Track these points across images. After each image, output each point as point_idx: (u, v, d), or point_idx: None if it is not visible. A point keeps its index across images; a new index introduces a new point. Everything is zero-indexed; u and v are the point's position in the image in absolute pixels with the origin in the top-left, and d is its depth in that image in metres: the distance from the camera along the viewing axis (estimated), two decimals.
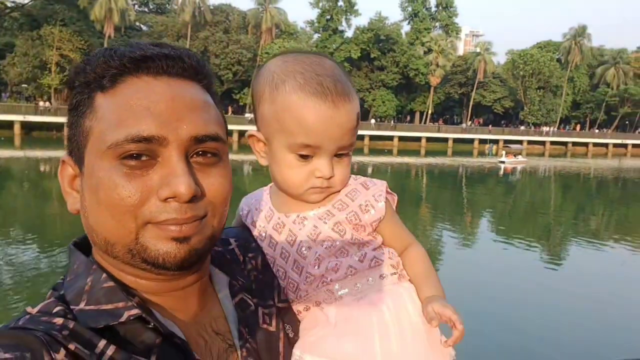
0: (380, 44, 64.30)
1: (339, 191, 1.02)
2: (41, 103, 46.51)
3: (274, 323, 0.93)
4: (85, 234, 0.82)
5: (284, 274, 1.00)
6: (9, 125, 41.77)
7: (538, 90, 68.12)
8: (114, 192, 0.73)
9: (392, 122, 65.13)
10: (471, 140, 60.97)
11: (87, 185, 0.76)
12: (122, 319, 0.73)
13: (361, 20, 75.47)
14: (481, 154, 56.56)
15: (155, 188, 0.74)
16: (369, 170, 34.94)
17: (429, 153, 53.30)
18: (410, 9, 69.02)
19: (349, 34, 65.96)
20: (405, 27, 70.25)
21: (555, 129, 68.34)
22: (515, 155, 46.96)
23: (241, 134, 50.63)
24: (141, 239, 0.75)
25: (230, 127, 49.91)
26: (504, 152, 47.64)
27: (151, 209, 0.74)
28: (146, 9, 67.71)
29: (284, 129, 0.94)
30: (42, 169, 29.06)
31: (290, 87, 0.93)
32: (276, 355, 0.90)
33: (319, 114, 0.91)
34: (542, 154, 59.46)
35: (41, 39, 48.85)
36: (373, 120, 60.23)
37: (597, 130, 70.60)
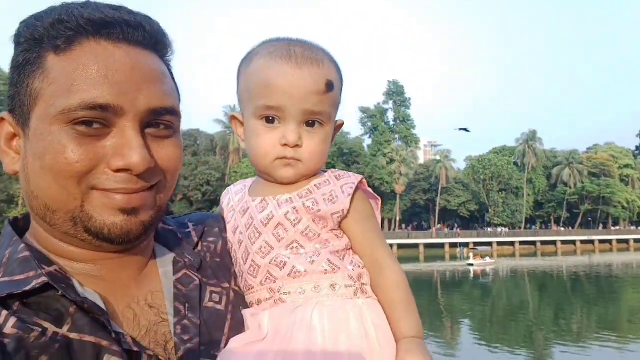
0: (344, 157, 66.61)
1: (311, 176, 0.94)
2: None
3: (223, 302, 0.89)
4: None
5: (236, 261, 0.94)
6: None
7: (500, 193, 70.45)
8: (61, 155, 0.70)
9: None
10: (442, 245, 61.37)
11: (32, 148, 0.73)
12: (28, 288, 0.70)
13: None
14: (453, 257, 56.71)
15: (107, 157, 0.72)
16: None
17: (401, 259, 52.70)
18: (369, 124, 72.67)
19: None
20: (367, 140, 73.47)
21: (522, 229, 69.71)
22: (482, 257, 47.15)
23: None
24: (86, 207, 0.72)
25: None
26: (471, 255, 47.85)
27: (99, 177, 0.72)
28: None
29: (251, 95, 0.91)
30: None
31: (261, 55, 0.92)
32: (220, 334, 0.85)
33: (280, 72, 0.88)
34: (513, 255, 60.02)
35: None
36: None
37: (562, 228, 72.33)
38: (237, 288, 0.93)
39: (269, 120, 0.90)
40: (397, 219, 68.62)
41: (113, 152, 0.72)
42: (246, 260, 0.91)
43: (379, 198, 0.99)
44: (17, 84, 0.74)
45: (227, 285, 0.92)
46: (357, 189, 0.93)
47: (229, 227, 0.98)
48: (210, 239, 0.97)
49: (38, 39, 0.73)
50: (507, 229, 68.14)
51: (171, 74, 0.83)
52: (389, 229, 68.93)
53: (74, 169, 0.71)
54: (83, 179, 0.71)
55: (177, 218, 1.00)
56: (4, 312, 0.69)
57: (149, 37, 0.77)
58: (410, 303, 0.89)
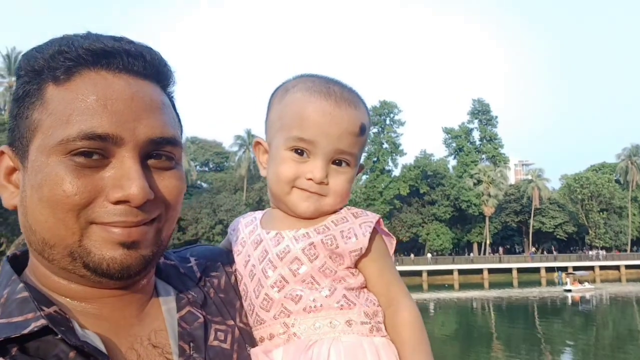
0: (429, 179, 65.34)
1: (332, 212, 0.93)
2: None
3: (229, 341, 0.86)
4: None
5: (246, 294, 0.92)
6: None
7: (601, 213, 65.66)
8: (59, 188, 0.68)
9: (449, 255, 63.45)
10: (537, 269, 57.93)
11: (30, 181, 0.71)
12: (26, 331, 0.67)
13: (407, 159, 77.61)
14: (550, 283, 53.31)
15: (105, 189, 0.70)
16: (431, 306, 33.35)
17: (492, 285, 50.71)
18: (454, 144, 71.00)
19: (396, 172, 67.76)
20: (452, 162, 71.74)
21: (627, 251, 64.23)
22: (581, 283, 43.93)
23: None
24: (85, 241, 0.70)
25: None
26: (568, 280, 44.82)
27: (97, 210, 0.70)
28: (206, 168, 72.92)
29: (283, 124, 0.91)
30: None
31: (298, 88, 0.93)
32: None
33: (318, 107, 0.89)
34: (619, 279, 55.35)
35: None
36: (429, 255, 58.93)
37: None
38: (242, 325, 0.91)
39: (298, 152, 0.90)
40: (487, 242, 65.88)
41: (112, 183, 0.70)
42: (259, 294, 0.89)
43: (393, 237, 0.98)
44: (17, 117, 0.73)
45: (232, 322, 0.89)
46: (374, 228, 0.93)
47: (239, 260, 0.95)
48: (214, 274, 0.94)
49: (38, 70, 0.72)
50: (604, 252, 63.08)
51: (173, 105, 0.81)
52: (479, 253, 66.33)
53: (72, 202, 0.68)
54: (81, 212, 0.69)
55: (178, 252, 0.98)
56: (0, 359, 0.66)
57: (150, 67, 0.76)
58: (422, 343, 0.88)
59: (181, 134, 0.81)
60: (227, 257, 0.99)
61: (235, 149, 65.75)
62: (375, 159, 66.65)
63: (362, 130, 0.92)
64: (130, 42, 0.76)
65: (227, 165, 71.23)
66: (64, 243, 0.71)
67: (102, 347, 0.71)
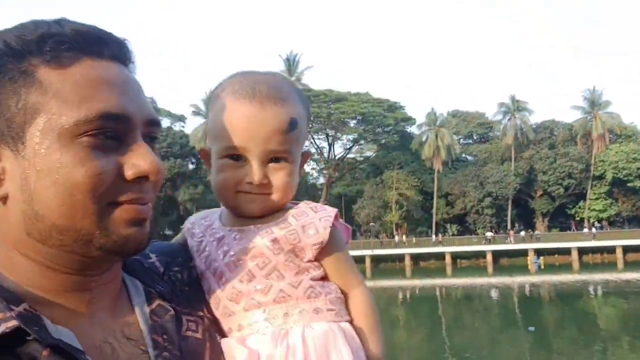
0: None
1: (284, 207, 0.97)
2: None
3: (200, 330, 0.88)
4: None
5: (209, 288, 0.94)
6: (362, 259, 48.31)
7: None
8: (79, 169, 0.69)
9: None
10: None
11: (34, 165, 0.69)
12: None
13: None
14: None
15: (122, 167, 0.72)
16: None
17: None
18: None
19: None
20: None
21: None
22: None
23: (581, 251, 45.88)
24: (104, 222, 0.71)
25: (565, 244, 46.20)
26: None
27: (115, 189, 0.71)
28: (470, 140, 71.83)
29: (216, 133, 0.94)
30: (388, 297, 32.08)
31: (225, 93, 0.94)
32: None
33: (244, 113, 0.91)
34: None
35: (383, 183, 56.93)
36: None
37: None
38: (210, 316, 0.93)
39: (234, 158, 0.93)
40: None
41: (128, 161, 0.72)
42: (225, 288, 0.92)
43: (349, 227, 1.05)
44: None
45: (200, 313, 0.91)
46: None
47: (200, 257, 0.97)
48: (176, 269, 0.95)
49: (20, 53, 0.71)
50: None
51: None
52: None
53: (93, 182, 0.69)
54: (101, 192, 0.70)
55: None
56: None
57: (128, 55, 0.79)
58: (376, 325, 0.95)
59: None
60: (186, 252, 1.01)
61: (500, 117, 63.00)
62: None
63: (292, 125, 0.93)
64: (109, 31, 0.78)
65: (491, 136, 68.84)
66: (79, 226, 0.70)
67: (77, 343, 0.71)
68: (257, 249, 0.92)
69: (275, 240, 0.92)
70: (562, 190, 55.24)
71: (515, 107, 59.81)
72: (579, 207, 56.16)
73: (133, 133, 0.73)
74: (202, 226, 1.00)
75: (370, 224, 56.74)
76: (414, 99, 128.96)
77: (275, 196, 0.94)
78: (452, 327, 21.45)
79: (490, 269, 43.92)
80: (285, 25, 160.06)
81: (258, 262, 0.91)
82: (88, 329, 0.76)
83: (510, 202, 56.37)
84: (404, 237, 53.02)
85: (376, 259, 48.50)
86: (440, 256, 48.07)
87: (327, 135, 59.42)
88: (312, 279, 0.93)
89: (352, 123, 57.65)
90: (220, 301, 0.92)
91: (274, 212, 0.95)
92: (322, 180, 64.57)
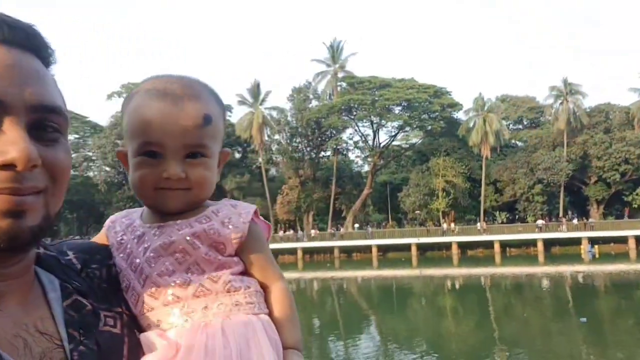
0: None
1: (205, 204, 0.99)
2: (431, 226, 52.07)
3: (119, 326, 0.87)
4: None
5: (128, 285, 0.94)
6: (407, 247, 48.07)
7: None
8: None
9: None
10: None
11: None
12: None
13: None
14: None
15: None
16: None
17: None
18: None
19: None
20: None
21: None
22: None
23: (638, 239, 43.97)
24: None
25: (621, 232, 44.37)
26: None
27: None
28: (520, 126, 69.75)
29: (132, 132, 0.95)
30: (435, 286, 31.86)
31: (140, 93, 0.96)
32: (119, 358, 0.84)
33: (157, 110, 0.92)
34: None
35: (429, 170, 56.22)
36: None
37: None
38: (128, 312, 0.92)
39: (151, 155, 0.93)
40: None
41: None
42: (144, 284, 0.93)
43: (269, 224, 1.07)
44: None
45: (119, 309, 0.90)
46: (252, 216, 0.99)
47: (120, 254, 0.97)
48: (94, 266, 0.94)
49: None
50: None
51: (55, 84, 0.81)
52: None
53: None
54: None
55: (54, 245, 0.96)
56: None
57: (31, 40, 0.75)
58: (294, 316, 0.99)
59: (65, 112, 0.80)
60: (105, 250, 0.99)
61: (551, 101, 60.69)
62: None
63: (206, 120, 0.94)
64: (7, 15, 0.74)
65: (542, 121, 66.58)
66: None
67: None
68: (176, 244, 0.93)
69: (194, 235, 0.93)
70: (618, 176, 52.91)
71: (568, 90, 57.44)
72: (637, 194, 53.65)
73: (6, 120, 0.69)
74: (123, 224, 1.01)
75: (416, 211, 56.28)
76: (461, 84, 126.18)
77: (194, 191, 0.95)
78: (502, 317, 21.13)
79: (541, 257, 42.70)
80: (330, 12, 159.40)
81: (177, 257, 0.92)
82: None
83: (562, 189, 54.56)
84: (452, 225, 52.24)
85: (422, 247, 48.10)
86: (489, 244, 47.13)
87: (372, 123, 59.01)
88: (232, 274, 0.95)
89: (397, 110, 56.99)
90: (140, 297, 0.92)
91: (194, 208, 0.97)
92: (366, 168, 64.40)
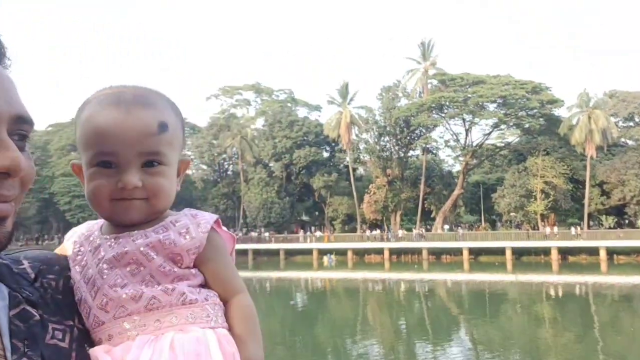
0: None
1: (165, 214, 0.95)
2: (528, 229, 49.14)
3: (67, 340, 0.84)
4: None
5: (81, 298, 0.91)
6: (502, 251, 45.70)
7: None
8: None
9: None
10: None
11: None
12: None
13: None
14: None
15: None
16: None
17: None
18: None
19: None
20: None
21: None
22: None
23: None
24: None
25: None
26: None
27: None
28: (631, 123, 63.86)
29: (85, 142, 0.91)
30: (532, 292, 29.93)
31: (92, 103, 0.93)
32: None
33: (109, 118, 0.89)
34: None
35: (526, 170, 53.10)
36: None
37: None
38: (81, 326, 0.88)
39: (106, 165, 0.90)
40: None
41: None
42: (95, 296, 0.89)
43: (234, 236, 1.02)
44: None
45: (70, 322, 0.87)
46: (212, 227, 0.95)
47: (76, 266, 0.94)
48: (50, 276, 0.91)
49: None
50: None
51: None
52: None
53: None
54: None
55: (9, 255, 0.92)
56: None
57: None
58: (255, 333, 0.94)
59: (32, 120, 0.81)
60: (64, 261, 0.96)
61: None
62: None
63: (162, 128, 0.91)
64: None
65: None
66: None
67: None
68: (129, 254, 0.90)
69: (149, 245, 0.90)
70: None
71: None
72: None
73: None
74: (82, 236, 0.99)
75: (511, 213, 53.47)
76: (561, 80, 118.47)
77: (151, 201, 0.91)
78: (607, 329, 19.28)
79: None
80: (420, 10, 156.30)
81: (131, 269, 0.89)
82: None
83: None
84: (555, 228, 48.92)
85: (518, 252, 45.57)
86: (594, 251, 43.63)
87: (464, 121, 56.89)
88: (189, 285, 0.91)
89: (492, 107, 54.42)
90: (91, 310, 0.89)
91: (153, 219, 0.93)
92: (458, 167, 62.28)
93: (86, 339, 0.88)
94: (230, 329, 0.92)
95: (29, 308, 0.82)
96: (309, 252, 51.63)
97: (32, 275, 0.89)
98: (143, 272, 0.89)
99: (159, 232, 0.91)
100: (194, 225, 0.93)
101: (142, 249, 0.90)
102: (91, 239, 0.96)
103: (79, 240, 0.98)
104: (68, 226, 59.50)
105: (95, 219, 1.00)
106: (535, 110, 53.01)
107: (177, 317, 0.88)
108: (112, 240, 0.92)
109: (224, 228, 0.99)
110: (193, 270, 0.93)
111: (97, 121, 0.90)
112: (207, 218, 0.95)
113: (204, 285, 0.94)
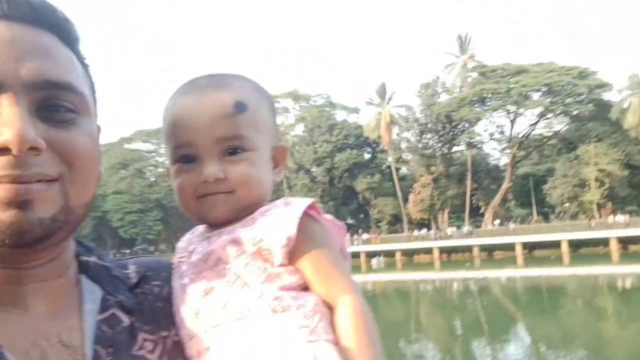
0: None
1: (252, 208, 0.82)
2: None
3: (156, 353, 0.76)
4: None
5: (177, 308, 0.82)
6: (557, 244, 43.90)
7: None
8: None
9: None
10: None
11: None
12: None
13: None
14: None
15: None
16: None
17: None
18: None
19: None
20: None
21: None
22: None
23: None
24: None
25: None
26: None
27: None
28: None
29: (165, 140, 0.86)
30: (592, 286, 28.64)
31: (170, 97, 0.87)
32: None
33: (181, 107, 0.82)
34: None
35: (578, 159, 50.98)
36: None
37: None
38: (177, 338, 0.80)
39: (187, 160, 0.82)
40: None
41: None
42: (185, 306, 0.80)
43: (341, 224, 0.86)
44: None
45: (165, 333, 0.79)
46: (309, 214, 0.80)
47: (175, 273, 0.86)
48: (155, 283, 0.84)
49: None
50: None
51: (80, 60, 0.73)
52: None
53: None
54: None
55: (119, 260, 0.88)
56: None
57: (40, 14, 0.68)
58: (369, 347, 0.74)
59: (92, 95, 0.74)
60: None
61: None
62: None
63: (239, 107, 0.81)
64: None
65: None
66: None
67: None
68: (213, 254, 0.80)
69: (234, 242, 0.79)
70: None
71: None
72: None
73: (4, 97, 0.62)
74: (186, 240, 0.90)
75: (565, 204, 51.43)
76: (608, 64, 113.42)
77: (239, 194, 0.81)
78: None
79: None
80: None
81: (217, 271, 0.79)
82: (15, 327, 0.67)
83: None
84: (619, 216, 46.50)
85: (575, 244, 43.67)
86: None
87: (508, 112, 55.22)
88: (283, 288, 0.77)
89: (536, 96, 52.61)
90: (183, 322, 0.79)
91: (246, 215, 0.82)
92: (505, 160, 60.51)
93: (180, 353, 0.79)
94: (338, 342, 0.75)
95: (119, 313, 0.76)
96: (356, 255, 51.15)
97: (134, 280, 0.83)
98: (228, 274, 0.78)
99: (246, 226, 0.80)
100: (284, 216, 0.79)
101: (226, 246, 0.79)
102: (190, 242, 0.88)
103: (182, 245, 0.90)
104: (122, 242, 61.06)
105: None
106: (583, 96, 50.93)
107: (267, 330, 0.74)
108: (205, 241, 0.83)
109: (329, 216, 0.85)
110: (289, 268, 0.78)
111: (170, 113, 0.84)
112: (300, 203, 0.81)
113: (304, 284, 0.79)
